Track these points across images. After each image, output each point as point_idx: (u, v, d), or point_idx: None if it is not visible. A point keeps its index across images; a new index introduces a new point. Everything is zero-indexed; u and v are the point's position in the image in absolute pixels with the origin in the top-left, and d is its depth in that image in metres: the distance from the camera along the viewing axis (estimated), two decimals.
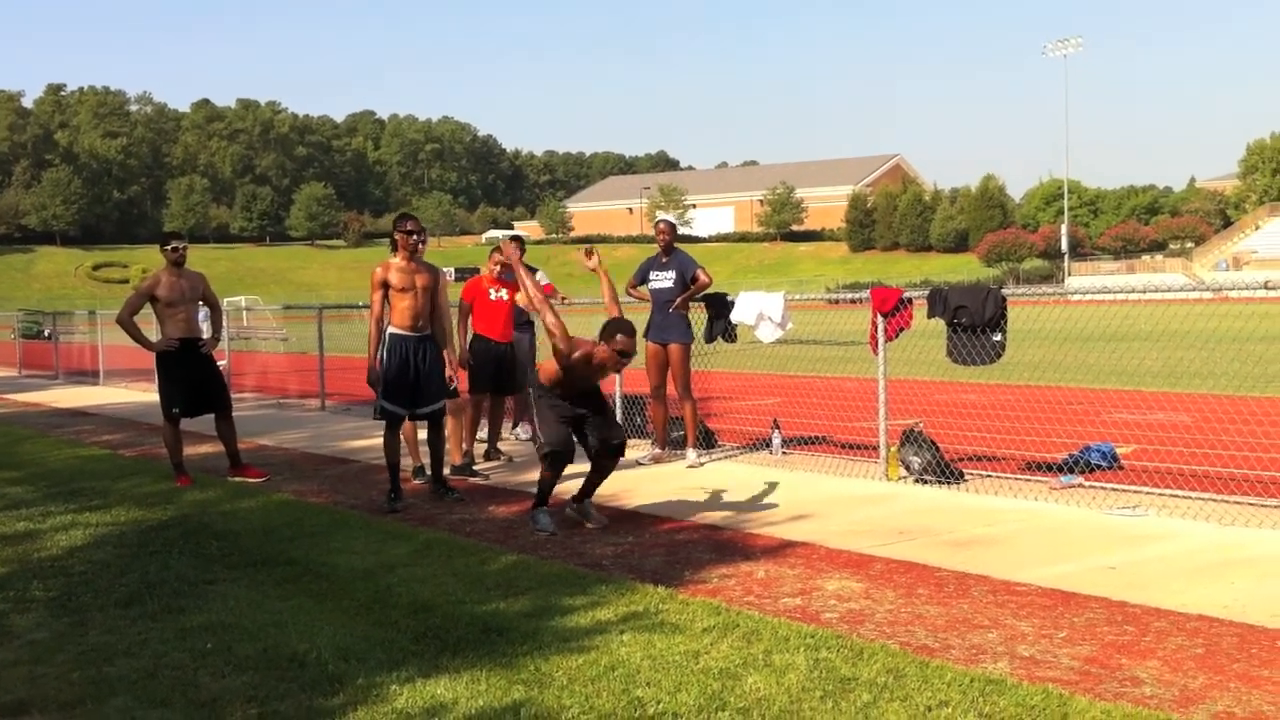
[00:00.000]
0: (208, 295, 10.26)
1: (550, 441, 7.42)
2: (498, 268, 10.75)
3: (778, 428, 10.56)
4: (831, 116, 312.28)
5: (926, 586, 5.86)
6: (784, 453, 10.40)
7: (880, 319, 9.34)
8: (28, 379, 25.64)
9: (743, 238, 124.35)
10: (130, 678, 4.69)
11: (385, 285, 8.54)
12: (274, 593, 6.01)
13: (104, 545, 7.31)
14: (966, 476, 8.86)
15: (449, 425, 9.47)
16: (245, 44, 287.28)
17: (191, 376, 9.98)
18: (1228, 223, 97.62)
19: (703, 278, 10.33)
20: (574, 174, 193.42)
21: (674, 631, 5.07)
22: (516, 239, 11.18)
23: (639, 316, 10.60)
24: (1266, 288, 9.26)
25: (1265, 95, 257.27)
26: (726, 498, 8.49)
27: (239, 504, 8.71)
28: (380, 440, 8.86)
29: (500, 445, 10.97)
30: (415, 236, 8.62)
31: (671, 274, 10.30)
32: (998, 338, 8.90)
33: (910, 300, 9.43)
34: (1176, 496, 7.84)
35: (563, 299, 12.67)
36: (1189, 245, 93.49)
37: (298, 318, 33.18)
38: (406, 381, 8.55)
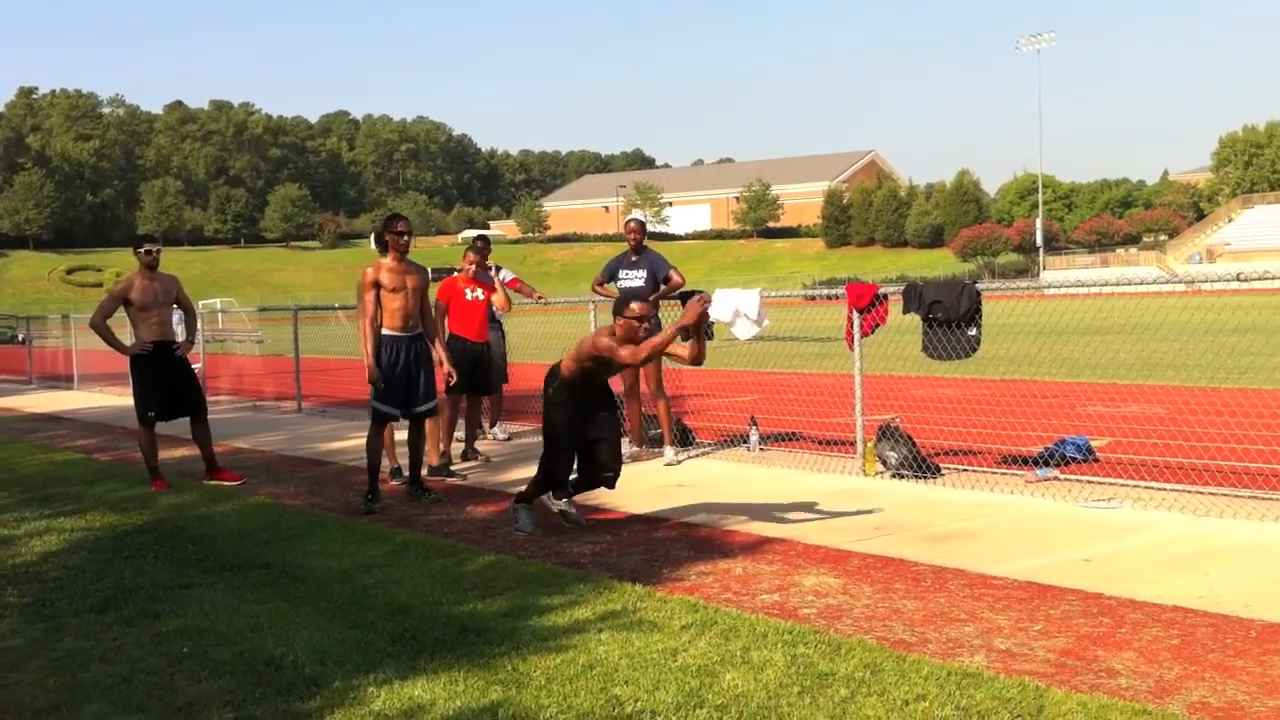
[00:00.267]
0: (181, 298, 10.21)
1: (552, 463, 7.37)
2: (473, 267, 10.74)
3: (755, 424, 10.57)
4: (807, 113, 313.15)
5: (904, 581, 5.88)
6: (761, 449, 10.42)
7: (856, 315, 9.37)
8: (1, 384, 25.47)
9: (719, 235, 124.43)
10: (105, 684, 4.66)
11: (377, 286, 8.53)
12: (250, 596, 5.99)
13: (79, 550, 7.26)
14: (943, 471, 8.89)
15: (426, 426, 9.45)
16: (218, 45, 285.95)
17: (166, 380, 9.92)
18: (1201, 215, 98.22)
19: (675, 277, 10.34)
20: (550, 173, 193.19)
21: (652, 629, 5.07)
22: (481, 239, 11.18)
23: (606, 316, 10.60)
24: (1239, 280, 9.31)
25: (1237, 88, 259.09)
26: (704, 495, 8.50)
27: (215, 508, 8.67)
28: (358, 441, 8.83)
29: (478, 445, 10.95)
30: (406, 237, 8.63)
31: (642, 273, 10.30)
32: (973, 332, 8.94)
33: (885, 296, 9.46)
34: (1151, 488, 7.89)
35: (538, 298, 12.66)
36: (1163, 238, 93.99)
37: (273, 320, 33.01)
38: (400, 382, 8.55)
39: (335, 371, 22.31)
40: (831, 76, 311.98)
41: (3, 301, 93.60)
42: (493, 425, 12.20)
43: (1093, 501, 7.65)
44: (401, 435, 9.06)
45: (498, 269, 11.43)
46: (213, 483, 9.79)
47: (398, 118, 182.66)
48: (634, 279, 10.30)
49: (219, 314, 38.79)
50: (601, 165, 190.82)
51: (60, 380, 23.77)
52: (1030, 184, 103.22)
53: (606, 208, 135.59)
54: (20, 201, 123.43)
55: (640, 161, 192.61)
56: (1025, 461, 8.97)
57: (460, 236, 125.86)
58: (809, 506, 7.85)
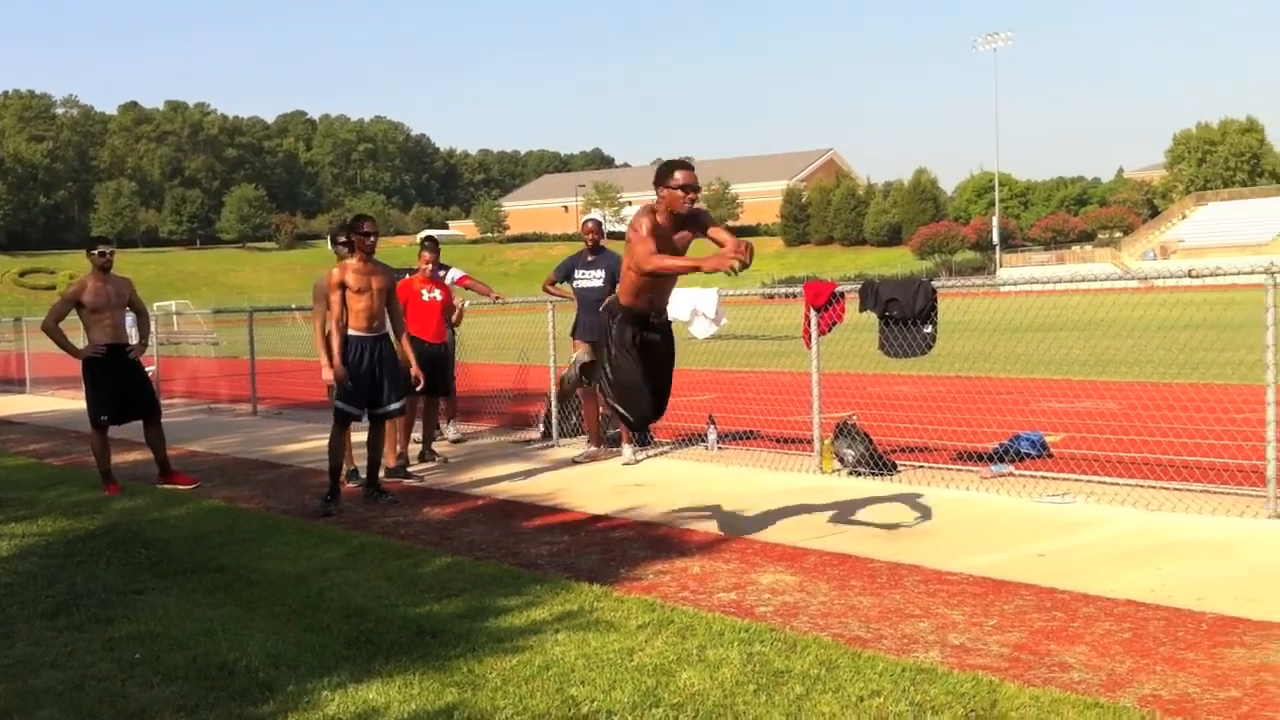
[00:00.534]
0: (134, 301, 10.11)
1: (622, 403, 6.64)
2: (429, 267, 10.70)
3: (713, 423, 10.59)
4: (766, 112, 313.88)
5: (860, 578, 5.90)
6: (719, 448, 10.43)
7: (813, 313, 9.40)
8: None
9: None
10: (57, 689, 4.61)
11: (343, 286, 8.51)
12: (204, 601, 5.93)
13: (30, 556, 7.17)
14: (900, 468, 8.94)
15: (385, 427, 9.41)
16: (173, 45, 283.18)
17: (119, 383, 9.82)
18: (1155, 212, 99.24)
19: None
20: (509, 172, 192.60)
21: (609, 629, 5.07)
22: (429, 239, 11.13)
23: (570, 316, 10.60)
24: (1190, 276, 9.42)
25: (1191, 86, 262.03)
26: (662, 494, 8.50)
27: (168, 511, 8.58)
28: (314, 443, 8.78)
29: (435, 446, 10.91)
30: (372, 238, 8.60)
31: (600, 272, 10.28)
32: (928, 329, 8.99)
33: (843, 294, 9.51)
34: (1104, 483, 7.96)
35: (495, 297, 12.62)
36: (1117, 235, 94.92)
37: (229, 321, 32.80)
38: (364, 382, 8.52)
39: (291, 373, 22.14)
40: (791, 76, 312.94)
41: None
42: (448, 423, 12.16)
43: (1047, 497, 7.71)
44: (358, 437, 9.00)
45: (446, 268, 11.38)
46: (166, 486, 9.70)
47: (355, 117, 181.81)
48: (592, 279, 10.29)
49: (174, 316, 38.43)
50: (561, 165, 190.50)
51: (12, 384, 23.46)
52: (987, 182, 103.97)
53: (566, 207, 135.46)
54: None
55: (600, 161, 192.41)
56: (981, 458, 9.03)
57: (419, 237, 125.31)
58: (766, 505, 7.87)
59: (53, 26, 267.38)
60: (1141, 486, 7.77)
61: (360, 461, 9.20)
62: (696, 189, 6.32)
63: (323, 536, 7.41)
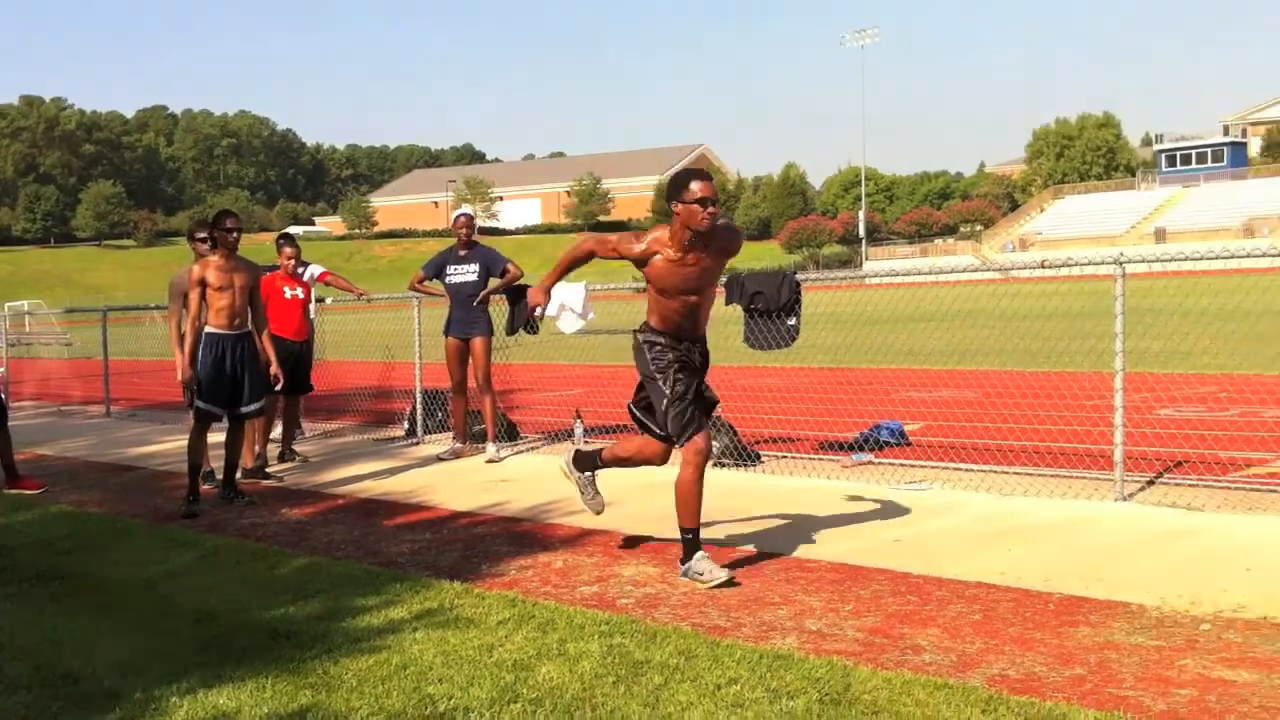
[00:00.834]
0: None
1: (682, 421, 5.91)
2: (291, 262, 10.49)
3: (580, 418, 10.56)
4: (639, 107, 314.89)
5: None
6: (586, 442, 10.39)
7: None
8: None
9: (550, 229, 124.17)
10: None
11: (203, 284, 8.28)
12: (50, 608, 5.72)
13: None
14: (763, 458, 9.03)
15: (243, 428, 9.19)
16: (28, 38, 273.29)
17: None
18: (1015, 206, 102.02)
19: (513, 270, 10.27)
20: (378, 168, 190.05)
21: (468, 626, 5.02)
22: (286, 236, 10.91)
23: (436, 312, 10.49)
24: (1043, 266, 9.70)
25: (1050, 83, 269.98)
26: (527, 490, 8.45)
27: (14, 517, 8.26)
28: (169, 445, 8.54)
29: (295, 446, 10.69)
30: (235, 234, 8.39)
31: (474, 267, 10.17)
32: (792, 321, 9.09)
33: None
34: (960, 470, 8.15)
35: (360, 294, 12.42)
36: (979, 228, 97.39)
37: (83, 321, 31.78)
38: (225, 381, 8.31)
39: (147, 374, 21.53)
40: (663, 71, 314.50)
41: None
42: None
43: (904, 484, 7.86)
44: (215, 438, 8.78)
45: (306, 265, 11.15)
46: (13, 492, 9.34)
47: (219, 112, 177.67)
48: (465, 274, 10.16)
49: (25, 316, 37.05)
50: (432, 160, 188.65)
51: None
52: (854, 177, 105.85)
53: (436, 203, 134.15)
54: None
55: (471, 156, 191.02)
56: (842, 447, 9.17)
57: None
58: (630, 498, 7.87)
59: None
60: (995, 472, 7.97)
61: (217, 463, 8.97)
62: (716, 201, 5.71)
63: (175, 540, 7.21)
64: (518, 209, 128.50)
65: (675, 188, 5.75)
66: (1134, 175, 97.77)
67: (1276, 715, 3.76)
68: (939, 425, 10.33)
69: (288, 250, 10.51)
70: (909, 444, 9.35)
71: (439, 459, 10.03)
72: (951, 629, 4.79)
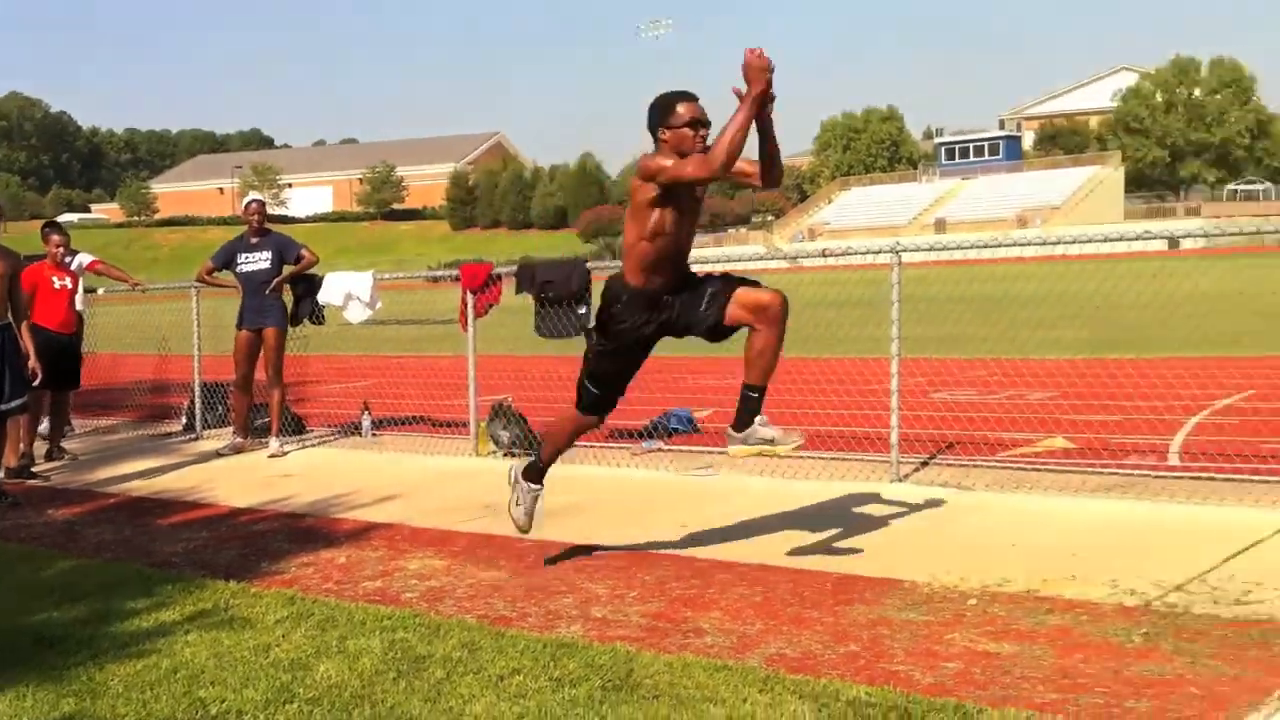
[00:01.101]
0: None
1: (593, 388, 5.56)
2: (59, 251, 9.97)
3: (367, 410, 10.38)
4: (434, 94, 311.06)
5: (508, 558, 5.91)
6: (374, 435, 10.24)
7: (470, 295, 9.38)
8: None
9: (341, 217, 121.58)
10: None
11: None
12: None
13: None
14: None
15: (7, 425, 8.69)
16: None
17: None
18: (805, 196, 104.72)
19: (308, 255, 10.02)
20: (159, 153, 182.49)
21: (244, 626, 4.86)
22: (52, 224, 10.39)
23: (216, 304, 10.14)
24: (824, 255, 9.97)
25: (838, 76, 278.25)
26: (312, 484, 8.25)
27: None
28: None
29: (64, 444, 10.19)
30: None
31: (267, 254, 9.82)
32: (582, 310, 9.13)
33: (499, 276, 9.54)
34: None
35: (135, 284, 11.91)
36: (770, 218, 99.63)
37: None
38: None
39: None
40: (459, 56, 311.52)
41: None
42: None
43: (694, 470, 7.98)
44: None
45: (74, 254, 10.60)
46: None
47: None
48: (257, 262, 9.80)
49: None
50: (217, 145, 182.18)
51: None
52: None
53: (221, 189, 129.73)
54: None
55: (259, 142, 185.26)
56: (632, 435, 9.24)
57: (59, 220, 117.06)
58: (419, 490, 7.79)
59: None
60: (778, 456, 8.13)
61: None
62: (707, 124, 5.17)
63: None
64: (308, 196, 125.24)
65: (660, 113, 5.23)
66: (916, 168, 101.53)
67: (1036, 685, 3.94)
68: (728, 412, 10.45)
69: (55, 239, 9.99)
70: (699, 431, 9.49)
71: (218, 454, 9.70)
72: (733, 611, 4.88)
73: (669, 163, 5.13)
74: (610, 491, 7.48)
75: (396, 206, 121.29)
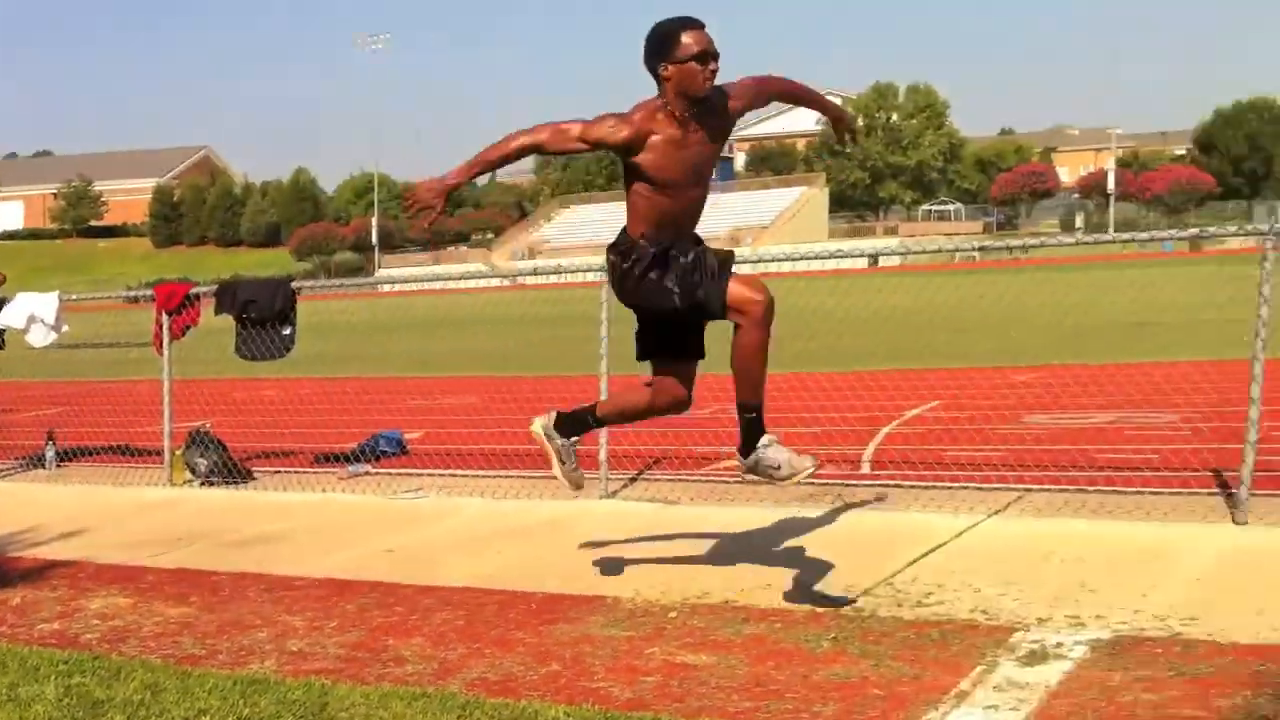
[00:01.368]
0: None
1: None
2: None
3: (52, 440, 9.76)
4: (135, 105, 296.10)
5: (200, 593, 5.64)
6: (59, 466, 9.63)
7: (166, 317, 8.98)
8: None
9: (34, 234, 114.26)
10: None
11: None
12: None
13: None
14: (256, 475, 8.72)
15: None
16: None
17: None
18: (524, 215, 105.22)
19: None
20: None
21: None
22: None
23: None
24: (535, 274, 10.00)
25: (561, 97, 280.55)
26: None
27: None
28: None
29: None
30: None
31: None
32: (287, 331, 8.87)
33: (198, 296, 9.17)
34: (457, 476, 8.24)
35: None
36: (490, 236, 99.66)
37: None
38: None
39: None
40: (162, 68, 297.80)
41: None
42: None
43: (402, 493, 7.84)
44: None
45: None
46: None
47: None
48: None
49: None
50: None
51: None
52: (367, 183, 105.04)
53: None
54: None
55: None
56: (340, 459, 9.02)
57: None
58: (107, 523, 7.35)
59: None
60: (490, 477, 8.11)
61: None
62: (717, 55, 4.41)
63: None
64: None
65: (661, 45, 4.42)
66: None
67: (731, 694, 4.03)
68: (440, 432, 10.39)
69: None
70: (408, 453, 9.34)
71: None
72: (435, 636, 4.80)
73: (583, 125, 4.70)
74: (314, 517, 7.26)
75: (95, 223, 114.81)
